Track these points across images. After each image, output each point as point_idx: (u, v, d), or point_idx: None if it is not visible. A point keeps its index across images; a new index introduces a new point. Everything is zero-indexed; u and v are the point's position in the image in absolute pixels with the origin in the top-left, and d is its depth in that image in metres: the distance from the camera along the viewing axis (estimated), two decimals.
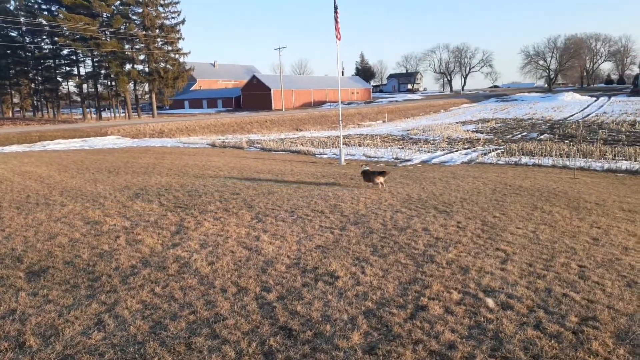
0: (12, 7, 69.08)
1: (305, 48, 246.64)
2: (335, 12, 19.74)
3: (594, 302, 5.03)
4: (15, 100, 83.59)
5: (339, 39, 20.13)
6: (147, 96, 73.29)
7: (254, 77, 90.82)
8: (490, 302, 5.02)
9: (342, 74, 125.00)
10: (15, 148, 31.00)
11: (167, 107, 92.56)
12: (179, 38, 64.38)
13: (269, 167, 18.11)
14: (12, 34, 69.47)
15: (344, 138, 23.35)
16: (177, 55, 65.00)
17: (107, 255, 6.83)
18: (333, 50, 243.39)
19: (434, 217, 9.14)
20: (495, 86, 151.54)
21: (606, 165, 18.68)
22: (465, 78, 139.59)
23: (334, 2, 19.54)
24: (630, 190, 13.64)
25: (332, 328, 4.47)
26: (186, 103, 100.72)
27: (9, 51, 68.23)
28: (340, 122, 21.85)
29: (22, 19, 67.06)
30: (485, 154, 23.24)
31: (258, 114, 57.77)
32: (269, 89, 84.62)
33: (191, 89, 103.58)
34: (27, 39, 69.62)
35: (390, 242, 7.32)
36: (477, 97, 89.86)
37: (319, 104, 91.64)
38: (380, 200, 10.88)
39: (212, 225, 8.54)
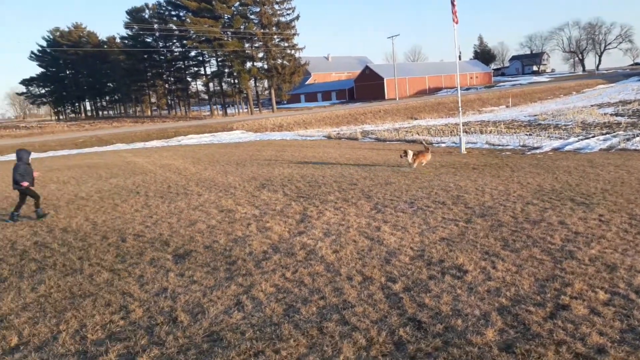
0: (147, 16, 76.95)
1: (419, 34, 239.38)
2: None
3: None
4: (153, 100, 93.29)
5: (457, 23, 19.27)
6: (266, 92, 77.20)
7: (366, 67, 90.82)
8: None
9: (459, 59, 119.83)
10: (155, 143, 34.56)
11: (285, 102, 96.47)
12: (294, 34, 66.63)
13: (385, 158, 18.02)
14: (148, 40, 77.40)
15: (463, 125, 22.41)
16: (292, 51, 67.35)
17: (241, 241, 7.34)
18: (448, 35, 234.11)
19: (571, 209, 8.38)
20: (637, 64, 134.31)
21: None
22: (599, 56, 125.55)
23: None
24: None
25: (464, 323, 4.32)
26: (302, 97, 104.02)
27: (145, 56, 76.27)
28: (460, 108, 20.94)
29: (155, 26, 74.35)
30: (628, 139, 20.74)
31: (371, 105, 57.73)
32: (382, 79, 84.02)
33: (306, 82, 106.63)
34: (160, 44, 77.06)
35: (523, 236, 6.86)
36: (614, 77, 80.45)
37: (434, 91, 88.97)
38: (507, 191, 10.27)
39: (333, 215, 8.73)
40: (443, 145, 22.91)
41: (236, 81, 69.88)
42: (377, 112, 47.66)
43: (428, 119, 42.37)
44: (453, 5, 18.71)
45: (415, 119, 44.21)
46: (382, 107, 50.41)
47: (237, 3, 64.84)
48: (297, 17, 66.76)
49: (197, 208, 10.10)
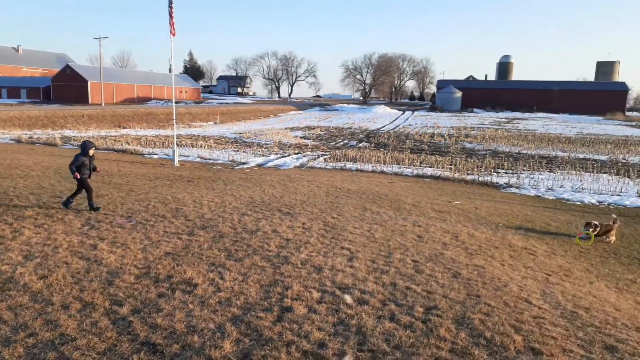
0: None
1: (128, 40, 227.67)
2: (170, 7, 18.87)
3: (432, 292, 5.72)
4: None
5: (174, 35, 19.30)
6: None
7: (67, 66, 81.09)
8: (348, 298, 5.34)
9: (170, 71, 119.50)
10: None
11: None
12: None
13: None
14: None
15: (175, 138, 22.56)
16: None
17: None
18: (159, 45, 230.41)
19: (280, 219, 9.34)
20: (318, 96, 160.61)
21: (415, 172, 21.27)
22: (292, 86, 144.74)
23: None
24: (437, 193, 15.77)
25: (200, 338, 4.26)
26: None
27: None
28: (175, 120, 20.92)
29: None
30: (314, 159, 24.55)
31: (73, 108, 51.74)
32: (86, 81, 76.48)
33: None
34: None
35: (244, 246, 7.26)
36: (303, 105, 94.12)
37: (143, 100, 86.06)
38: (224, 203, 10.72)
39: (34, 234, 7.40)
40: (155, 156, 22.40)
41: None
42: (80, 116, 43.02)
43: (137, 129, 40.71)
44: (171, 17, 18.65)
45: (124, 127, 41.85)
46: (86, 111, 45.72)
47: None
48: None
49: None
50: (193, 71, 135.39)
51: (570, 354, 4.33)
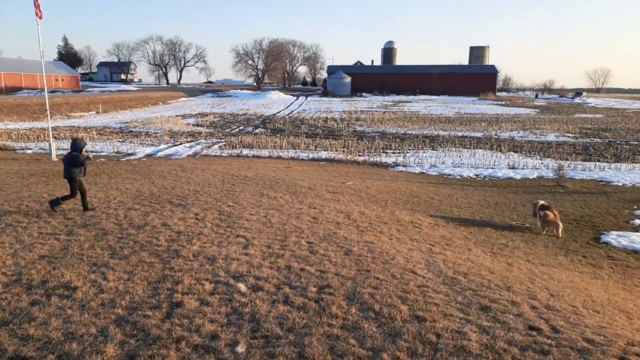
0: None
1: None
2: None
3: (325, 272, 5.84)
4: None
5: (40, 18, 17.46)
6: None
7: None
8: (241, 286, 5.27)
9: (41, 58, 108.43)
10: None
11: None
12: None
13: None
14: None
15: (52, 130, 20.42)
16: None
17: None
18: (27, 30, 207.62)
19: (171, 211, 8.96)
20: (210, 82, 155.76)
21: (311, 155, 21.62)
22: (180, 72, 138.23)
23: None
24: (331, 175, 16.17)
25: (80, 345, 3.93)
26: None
27: None
28: (49, 111, 19.05)
29: None
30: (209, 146, 23.89)
31: None
32: None
33: None
34: None
35: (130, 242, 6.84)
36: (194, 92, 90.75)
37: (12, 90, 77.32)
38: (108, 198, 10.03)
39: None
40: (29, 151, 20.36)
41: None
42: None
43: (7, 122, 36.53)
44: None
45: None
46: None
47: None
48: None
49: None
50: (69, 57, 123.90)
51: (451, 317, 4.68)
